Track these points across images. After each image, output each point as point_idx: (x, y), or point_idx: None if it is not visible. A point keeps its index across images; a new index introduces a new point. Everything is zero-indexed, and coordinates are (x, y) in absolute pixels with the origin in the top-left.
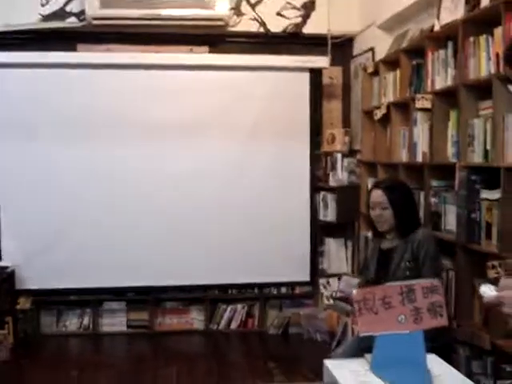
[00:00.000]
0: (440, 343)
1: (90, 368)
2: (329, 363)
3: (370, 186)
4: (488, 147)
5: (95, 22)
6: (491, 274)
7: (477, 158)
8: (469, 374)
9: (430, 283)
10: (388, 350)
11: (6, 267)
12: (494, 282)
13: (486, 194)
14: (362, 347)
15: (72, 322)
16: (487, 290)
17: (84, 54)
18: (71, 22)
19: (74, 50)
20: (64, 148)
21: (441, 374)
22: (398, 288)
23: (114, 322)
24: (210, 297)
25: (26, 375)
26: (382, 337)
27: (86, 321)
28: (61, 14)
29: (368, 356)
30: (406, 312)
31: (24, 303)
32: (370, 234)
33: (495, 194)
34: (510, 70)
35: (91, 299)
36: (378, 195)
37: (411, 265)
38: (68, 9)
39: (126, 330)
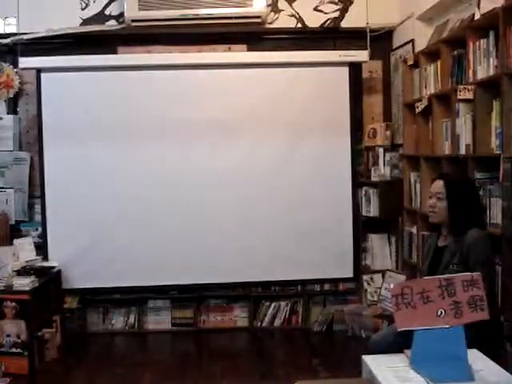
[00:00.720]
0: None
1: (135, 366)
2: (367, 359)
3: (413, 179)
4: None
5: (134, 24)
6: None
7: None
8: None
9: (470, 276)
10: (427, 346)
11: (53, 267)
12: None
13: None
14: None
15: (118, 321)
16: None
17: (124, 56)
18: (111, 24)
19: (114, 52)
20: (106, 148)
21: (483, 369)
22: (437, 281)
23: (159, 319)
24: (253, 294)
25: (73, 373)
26: (422, 332)
27: (131, 319)
28: (100, 17)
29: (407, 351)
30: (446, 306)
31: (71, 302)
32: (414, 230)
33: None
34: None
35: (136, 298)
36: (438, 185)
37: (459, 268)
38: (107, 12)
39: (170, 327)
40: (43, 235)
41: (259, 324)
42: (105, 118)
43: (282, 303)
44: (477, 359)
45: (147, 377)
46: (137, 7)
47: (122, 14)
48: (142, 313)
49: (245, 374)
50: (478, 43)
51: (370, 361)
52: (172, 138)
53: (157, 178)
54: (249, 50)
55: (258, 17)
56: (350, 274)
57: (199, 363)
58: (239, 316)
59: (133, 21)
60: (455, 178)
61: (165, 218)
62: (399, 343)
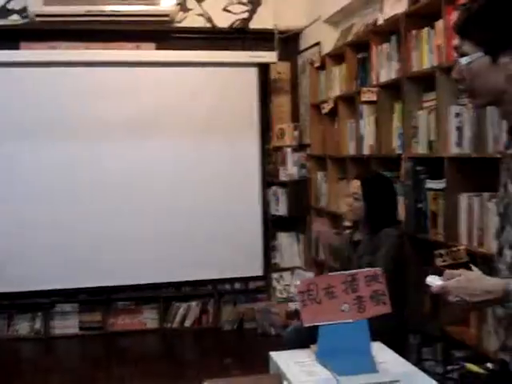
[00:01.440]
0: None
1: (42, 372)
2: (274, 355)
3: (320, 179)
4: (432, 138)
5: (38, 19)
6: (439, 262)
7: (421, 149)
8: (419, 361)
9: (372, 271)
10: (333, 340)
11: None
12: (441, 271)
13: (431, 184)
14: None
15: (23, 326)
16: (433, 280)
17: (27, 52)
18: (14, 19)
19: (17, 48)
20: (9, 148)
21: (385, 360)
22: (341, 277)
23: (67, 324)
24: (163, 295)
25: None
26: (327, 326)
27: (37, 324)
28: (2, 11)
29: (313, 346)
30: (350, 301)
31: None
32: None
33: (440, 184)
34: (461, 41)
35: (42, 302)
36: (355, 185)
37: (369, 265)
38: (10, 6)
39: (78, 331)
40: None
41: (169, 325)
42: (6, 115)
43: (193, 303)
44: (381, 351)
45: (55, 383)
46: (41, 2)
47: (25, 9)
48: (48, 317)
49: (155, 376)
50: (380, 47)
51: (277, 357)
52: (77, 137)
53: (64, 178)
54: (157, 48)
55: (166, 15)
56: (260, 273)
57: (109, 367)
58: (149, 318)
59: (37, 16)
60: (372, 178)
61: (72, 219)
62: (312, 337)
